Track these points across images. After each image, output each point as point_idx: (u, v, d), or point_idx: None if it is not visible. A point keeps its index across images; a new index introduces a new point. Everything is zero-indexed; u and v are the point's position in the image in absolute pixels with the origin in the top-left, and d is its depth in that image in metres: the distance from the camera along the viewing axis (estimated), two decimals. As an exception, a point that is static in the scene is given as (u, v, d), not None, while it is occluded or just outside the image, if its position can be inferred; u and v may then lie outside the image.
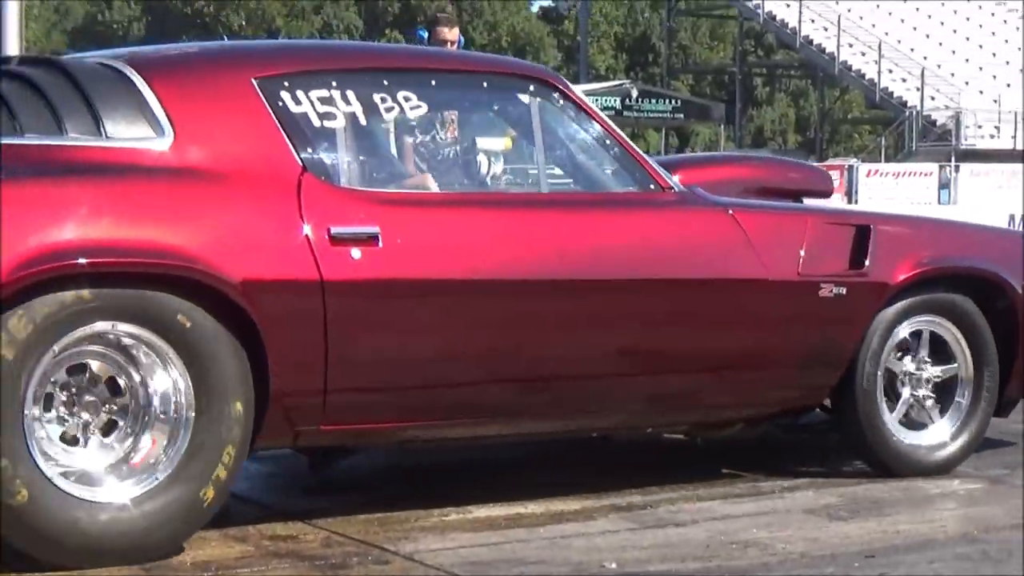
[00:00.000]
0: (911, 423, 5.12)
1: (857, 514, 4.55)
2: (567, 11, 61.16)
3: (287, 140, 4.18)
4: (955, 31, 38.16)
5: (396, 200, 4.32)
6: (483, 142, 4.74)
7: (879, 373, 4.97)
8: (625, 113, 31.63)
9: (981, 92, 34.74)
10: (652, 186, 4.71)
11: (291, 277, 4.01)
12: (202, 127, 4.12)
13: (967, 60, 36.57)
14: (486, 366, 4.33)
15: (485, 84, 4.74)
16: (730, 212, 4.79)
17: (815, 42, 37.16)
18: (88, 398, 3.89)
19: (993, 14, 39.75)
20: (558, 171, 4.84)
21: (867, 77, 35.82)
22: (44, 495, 3.72)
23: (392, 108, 4.43)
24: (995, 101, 33.90)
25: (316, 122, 4.26)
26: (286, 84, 4.27)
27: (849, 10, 37.51)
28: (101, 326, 3.83)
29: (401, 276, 4.15)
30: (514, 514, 4.48)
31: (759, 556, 4.04)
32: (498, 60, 5.24)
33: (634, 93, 33.35)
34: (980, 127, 33.45)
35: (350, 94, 4.34)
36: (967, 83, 35.06)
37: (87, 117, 4.05)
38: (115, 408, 3.92)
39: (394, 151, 4.61)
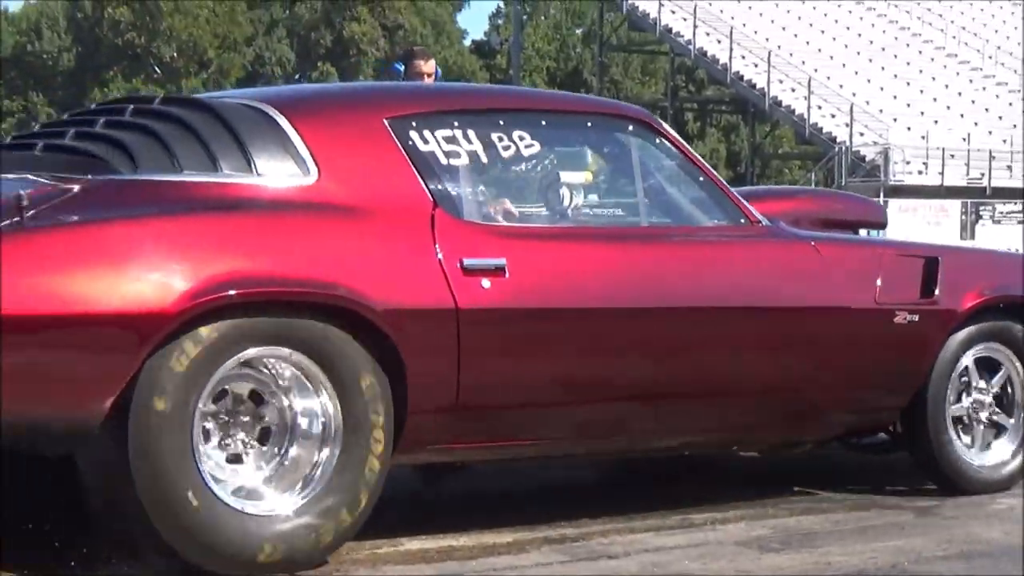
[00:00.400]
0: (974, 443, 5.44)
1: (789, 546, 4.57)
2: (499, 45, 61.53)
3: (418, 176, 4.46)
4: (883, 68, 38.81)
5: (518, 233, 4.61)
6: (565, 176, 5.02)
7: (948, 396, 5.31)
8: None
9: (909, 128, 35.34)
10: (742, 220, 5.03)
11: (429, 305, 4.29)
12: (342, 165, 4.39)
13: (895, 97, 37.15)
14: (603, 387, 4.62)
15: (589, 124, 5.07)
16: (813, 244, 5.12)
17: (746, 78, 37.52)
18: (243, 419, 4.13)
19: (920, 52, 40.56)
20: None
21: (797, 113, 36.19)
22: (215, 512, 3.96)
23: (509, 147, 4.72)
24: (923, 137, 34.50)
25: (443, 160, 4.53)
26: (414, 124, 4.54)
27: (779, 47, 38.06)
28: (257, 351, 4.07)
29: (526, 304, 4.44)
30: (446, 546, 4.48)
31: (692, 588, 4.11)
32: (601, 102, 5.58)
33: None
34: (908, 163, 34.05)
35: (471, 133, 4.62)
36: (895, 119, 35.63)
37: (239, 156, 4.29)
38: (265, 426, 4.15)
39: (512, 186, 4.90)
